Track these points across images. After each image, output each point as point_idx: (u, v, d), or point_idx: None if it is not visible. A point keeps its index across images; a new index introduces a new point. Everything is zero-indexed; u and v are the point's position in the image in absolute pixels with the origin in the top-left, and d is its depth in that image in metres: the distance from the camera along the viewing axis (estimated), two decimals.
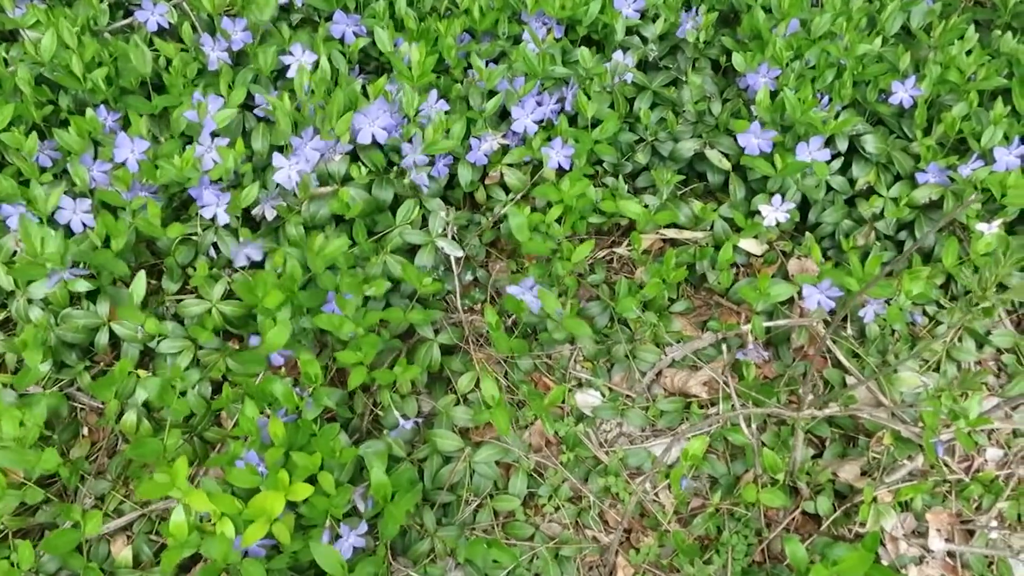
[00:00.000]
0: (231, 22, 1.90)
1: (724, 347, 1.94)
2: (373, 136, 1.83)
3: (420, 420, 1.81)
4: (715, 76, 2.17)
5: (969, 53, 2.02)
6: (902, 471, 1.73)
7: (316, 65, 1.89)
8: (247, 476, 1.44)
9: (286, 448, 1.49)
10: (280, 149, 1.83)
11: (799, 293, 1.87)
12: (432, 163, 1.89)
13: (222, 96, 1.78)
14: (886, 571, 1.40)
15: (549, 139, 1.95)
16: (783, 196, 1.97)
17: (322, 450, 1.49)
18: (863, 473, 1.79)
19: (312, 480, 1.48)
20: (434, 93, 1.90)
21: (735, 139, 2.01)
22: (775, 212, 1.94)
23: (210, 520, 1.43)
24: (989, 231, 1.87)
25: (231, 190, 1.75)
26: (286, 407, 1.57)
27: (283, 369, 1.72)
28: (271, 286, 1.55)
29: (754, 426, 1.82)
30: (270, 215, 1.83)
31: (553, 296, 1.76)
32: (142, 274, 1.65)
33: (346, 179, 1.87)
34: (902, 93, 2.00)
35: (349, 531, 1.51)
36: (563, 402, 1.89)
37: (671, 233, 2.08)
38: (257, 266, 1.83)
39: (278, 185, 1.82)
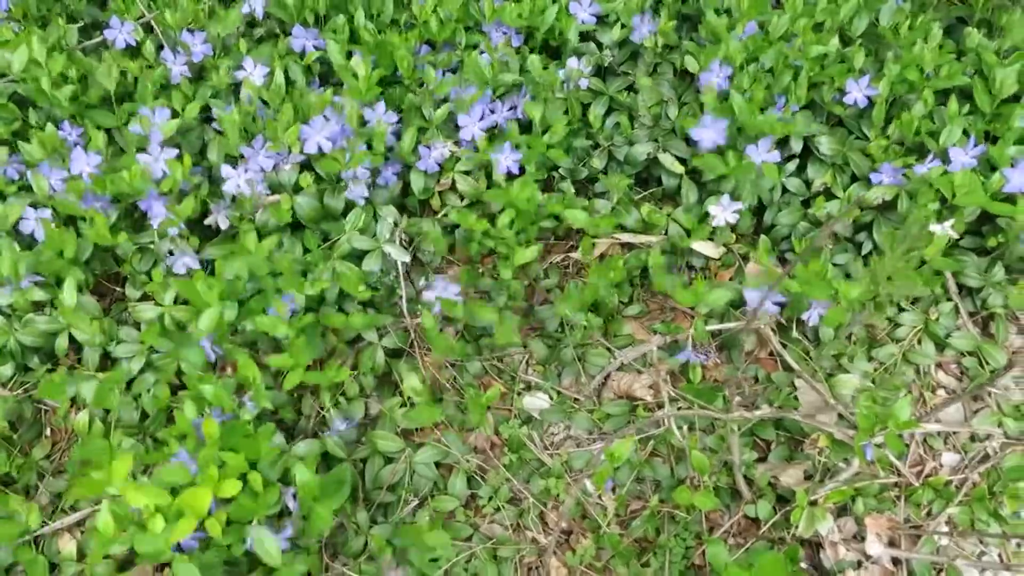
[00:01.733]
0: (191, 36, 1.98)
1: (663, 351, 1.94)
2: (319, 146, 1.88)
3: (364, 422, 1.85)
4: (674, 80, 2.17)
5: (942, 48, 1.99)
6: (844, 475, 1.71)
7: (271, 78, 1.95)
8: (177, 473, 1.49)
9: (218, 448, 1.53)
10: (233, 160, 1.89)
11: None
12: (377, 173, 1.94)
13: (168, 108, 1.86)
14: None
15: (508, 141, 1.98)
16: (734, 197, 1.96)
17: (249, 450, 1.54)
18: (807, 477, 1.77)
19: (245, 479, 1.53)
20: (381, 105, 1.94)
21: (687, 142, 2.02)
22: (724, 212, 1.94)
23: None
24: (941, 231, 1.84)
25: (183, 199, 1.82)
26: (222, 408, 1.62)
27: (229, 370, 1.78)
28: (211, 284, 1.60)
29: (698, 430, 1.82)
30: (223, 224, 1.90)
31: (487, 308, 1.78)
32: (72, 282, 1.71)
33: (297, 188, 1.92)
34: (856, 93, 1.98)
35: (272, 533, 1.55)
36: (511, 405, 1.92)
37: (626, 237, 2.08)
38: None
39: (234, 194, 1.88)
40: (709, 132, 1.91)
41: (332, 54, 1.99)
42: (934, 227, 1.84)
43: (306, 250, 1.94)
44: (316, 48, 2.09)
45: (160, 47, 2.06)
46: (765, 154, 1.90)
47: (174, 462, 1.54)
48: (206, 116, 2.03)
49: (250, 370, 1.63)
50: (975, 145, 1.87)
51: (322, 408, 1.85)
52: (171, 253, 1.86)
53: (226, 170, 1.83)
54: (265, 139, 1.86)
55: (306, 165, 1.97)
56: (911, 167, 1.90)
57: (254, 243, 1.85)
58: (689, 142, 2.01)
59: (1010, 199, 1.86)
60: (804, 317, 1.83)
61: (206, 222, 1.91)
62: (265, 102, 1.97)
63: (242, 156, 1.86)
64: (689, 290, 1.80)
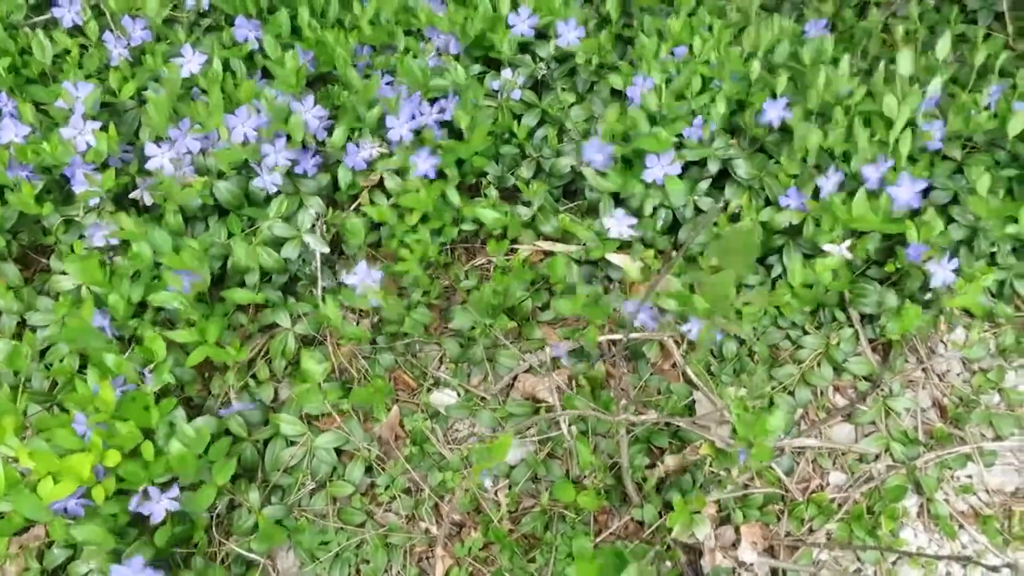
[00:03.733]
0: (131, 21, 2.03)
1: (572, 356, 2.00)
2: (245, 135, 1.93)
3: (273, 405, 1.89)
4: (608, 99, 2.24)
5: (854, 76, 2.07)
6: (730, 485, 1.76)
7: (208, 66, 2.01)
8: (67, 438, 1.52)
9: (111, 417, 1.57)
10: (161, 140, 1.94)
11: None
12: (295, 163, 1.99)
13: (93, 83, 1.90)
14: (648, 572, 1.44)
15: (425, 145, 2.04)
16: (638, 212, 2.03)
17: (143, 421, 1.57)
18: (699, 485, 1.83)
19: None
20: (310, 98, 2.00)
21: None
22: (619, 225, 2.00)
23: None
24: (838, 252, 1.91)
25: (108, 170, 1.87)
26: (124, 378, 1.65)
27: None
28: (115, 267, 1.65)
29: (592, 434, 1.87)
30: (148, 200, 1.94)
31: (395, 299, 1.84)
32: None
33: (221, 173, 1.97)
34: (772, 113, 2.05)
35: (160, 493, 1.58)
36: (419, 399, 1.96)
37: (546, 245, 2.14)
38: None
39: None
40: (598, 155, 1.98)
41: (267, 46, 2.04)
42: (829, 247, 1.91)
43: (231, 234, 1.98)
44: (259, 40, 2.15)
45: (106, 28, 2.11)
46: (668, 167, 1.97)
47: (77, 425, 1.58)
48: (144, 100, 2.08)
49: (155, 345, 1.67)
50: (886, 160, 1.94)
51: (231, 388, 1.89)
52: (95, 226, 1.90)
53: (150, 148, 1.88)
54: (193, 122, 1.91)
55: None
56: (817, 191, 1.98)
57: (175, 225, 1.90)
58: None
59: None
60: (684, 329, 1.89)
61: (131, 195, 1.95)
62: (203, 90, 2.03)
63: (169, 137, 1.90)
64: (568, 300, 1.86)
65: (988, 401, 1.99)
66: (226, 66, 2.09)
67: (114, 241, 1.87)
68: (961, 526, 1.85)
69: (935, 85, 1.99)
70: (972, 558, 1.61)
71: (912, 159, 1.98)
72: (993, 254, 2.03)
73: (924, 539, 1.84)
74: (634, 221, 1.99)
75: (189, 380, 1.84)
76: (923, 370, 2.07)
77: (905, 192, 1.87)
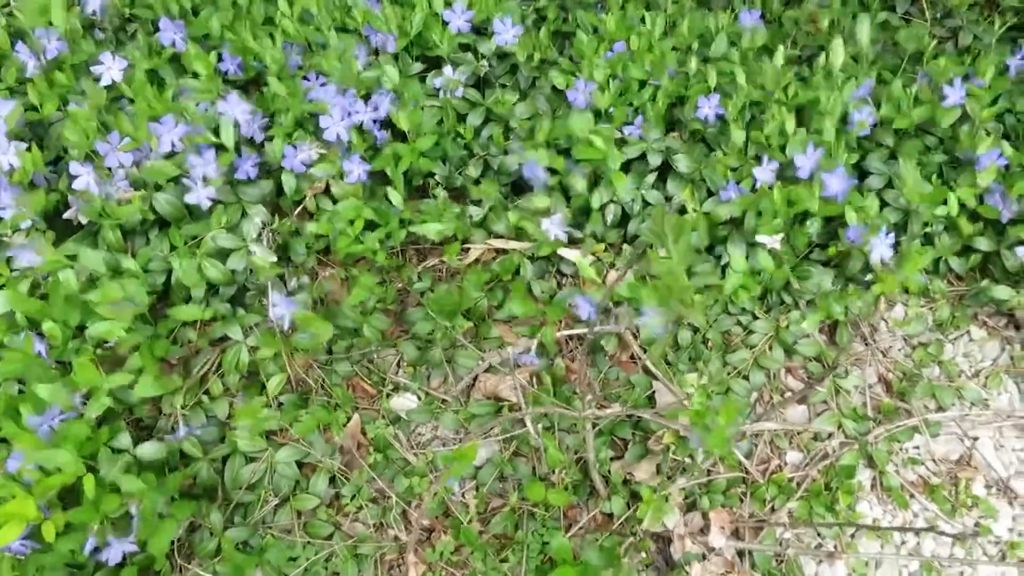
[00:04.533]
0: (44, 31, 1.92)
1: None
2: (173, 144, 1.86)
3: (228, 420, 1.83)
4: (550, 95, 2.25)
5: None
6: (694, 472, 1.79)
7: (131, 72, 1.93)
8: (4, 484, 1.44)
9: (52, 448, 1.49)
10: (87, 156, 1.85)
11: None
12: (233, 170, 1.92)
13: (12, 100, 1.80)
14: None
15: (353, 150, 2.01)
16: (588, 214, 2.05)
17: (86, 450, 1.50)
18: (660, 473, 1.85)
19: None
20: (233, 95, 1.93)
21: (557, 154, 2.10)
22: (554, 228, 2.01)
23: None
24: (771, 244, 1.96)
25: (36, 191, 1.77)
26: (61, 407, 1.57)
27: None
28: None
29: (557, 430, 1.87)
30: (83, 219, 1.85)
31: (322, 321, 1.79)
32: None
33: (159, 185, 1.89)
34: (707, 109, 2.09)
35: (115, 541, 1.51)
36: (379, 406, 1.93)
37: (498, 243, 2.13)
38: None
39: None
40: (539, 170, 2.00)
41: (188, 51, 1.97)
42: (763, 239, 1.96)
43: (174, 248, 1.91)
44: (184, 43, 2.07)
45: (19, 39, 2.00)
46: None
47: (10, 464, 1.49)
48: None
49: (88, 372, 1.58)
50: (816, 149, 2.00)
51: (182, 408, 1.82)
52: (21, 248, 1.80)
53: (74, 167, 1.79)
54: (122, 135, 1.82)
55: None
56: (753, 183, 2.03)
57: (114, 241, 1.82)
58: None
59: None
60: (638, 322, 1.91)
61: (65, 216, 1.86)
62: (131, 99, 1.94)
63: (96, 152, 1.82)
64: (520, 302, 1.86)
65: (929, 374, 2.08)
66: (154, 73, 2.01)
67: (25, 264, 1.77)
68: (912, 495, 1.92)
69: (866, 81, 2.06)
70: (933, 528, 1.67)
71: (849, 148, 2.05)
72: (927, 235, 2.11)
73: (879, 511, 1.91)
74: (560, 218, 2.00)
75: (138, 401, 1.76)
76: (867, 346, 2.15)
77: (836, 183, 1.93)
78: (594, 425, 1.88)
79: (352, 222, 1.94)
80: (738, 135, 2.04)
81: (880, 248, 1.93)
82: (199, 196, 1.88)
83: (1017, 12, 2.47)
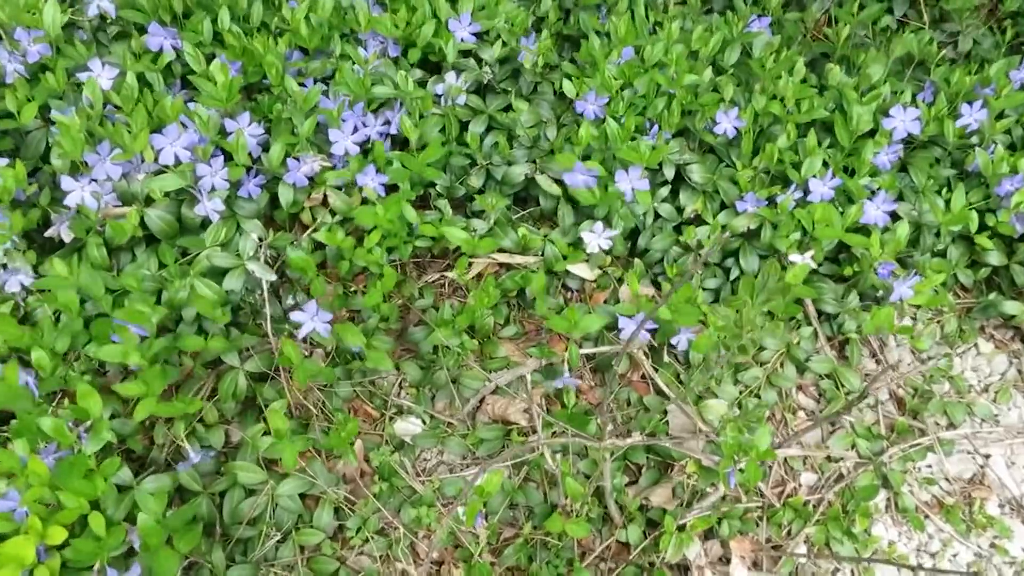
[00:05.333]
0: (26, 33, 1.79)
1: (537, 374, 1.93)
2: (176, 156, 1.75)
3: (226, 449, 1.73)
4: (554, 101, 2.17)
5: (804, 83, 2.07)
6: (710, 498, 1.74)
7: (121, 80, 1.81)
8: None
9: (49, 486, 1.39)
10: (77, 168, 1.73)
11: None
12: (238, 186, 1.83)
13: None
14: None
15: (373, 163, 1.91)
16: (609, 223, 1.98)
17: (87, 489, 1.40)
18: (676, 498, 1.80)
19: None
20: (245, 116, 1.83)
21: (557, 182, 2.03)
22: (598, 239, 1.95)
23: None
24: (802, 261, 1.91)
25: (18, 210, 1.65)
26: (58, 443, 1.47)
27: (67, 400, 1.62)
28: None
29: (571, 454, 1.81)
30: (67, 236, 1.73)
31: (356, 331, 1.71)
32: None
33: (150, 200, 1.78)
34: (726, 123, 2.03)
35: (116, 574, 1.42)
36: (383, 430, 1.85)
37: (502, 258, 2.06)
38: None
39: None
40: (583, 177, 1.92)
41: (190, 57, 1.86)
42: (794, 257, 1.91)
43: (163, 265, 1.80)
44: (175, 49, 1.95)
45: None
46: (636, 181, 1.92)
47: (3, 506, 1.39)
48: (50, 118, 1.86)
49: (91, 401, 1.49)
50: (832, 177, 1.97)
51: (179, 436, 1.72)
52: (4, 268, 1.68)
53: (67, 182, 1.67)
54: (112, 146, 1.71)
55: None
56: (774, 197, 1.98)
57: (99, 259, 1.71)
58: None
59: (864, 230, 1.97)
60: (674, 342, 1.86)
61: (47, 234, 1.74)
62: (117, 106, 1.82)
63: (85, 164, 1.70)
64: (563, 316, 1.79)
65: (940, 390, 2.05)
66: (140, 79, 1.89)
67: (28, 283, 1.66)
68: (927, 516, 1.90)
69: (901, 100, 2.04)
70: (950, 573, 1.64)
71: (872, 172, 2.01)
72: (935, 250, 2.08)
73: (894, 532, 1.88)
74: (614, 233, 1.94)
75: (130, 432, 1.66)
76: (877, 362, 2.11)
77: (874, 209, 1.89)
78: (611, 452, 1.82)
79: (367, 232, 1.85)
80: (753, 149, 1.99)
81: (902, 290, 1.90)
82: (207, 208, 1.78)
83: (1014, 17, 2.45)
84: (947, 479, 1.95)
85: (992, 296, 2.10)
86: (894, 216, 2.06)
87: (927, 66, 2.21)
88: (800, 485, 1.91)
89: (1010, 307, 2.07)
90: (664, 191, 2.05)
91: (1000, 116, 2.11)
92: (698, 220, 2.06)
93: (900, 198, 2.10)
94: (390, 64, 2.07)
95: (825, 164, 2.02)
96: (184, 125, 1.81)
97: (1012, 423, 2.03)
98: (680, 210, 2.07)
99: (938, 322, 2.16)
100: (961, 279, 2.11)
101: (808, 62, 2.35)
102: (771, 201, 1.99)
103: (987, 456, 1.99)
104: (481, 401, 1.93)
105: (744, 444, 1.53)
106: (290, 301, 1.94)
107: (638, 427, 1.87)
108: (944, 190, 2.08)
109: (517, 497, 1.79)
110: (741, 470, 1.58)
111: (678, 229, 2.08)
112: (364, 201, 1.95)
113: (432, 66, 2.16)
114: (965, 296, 2.20)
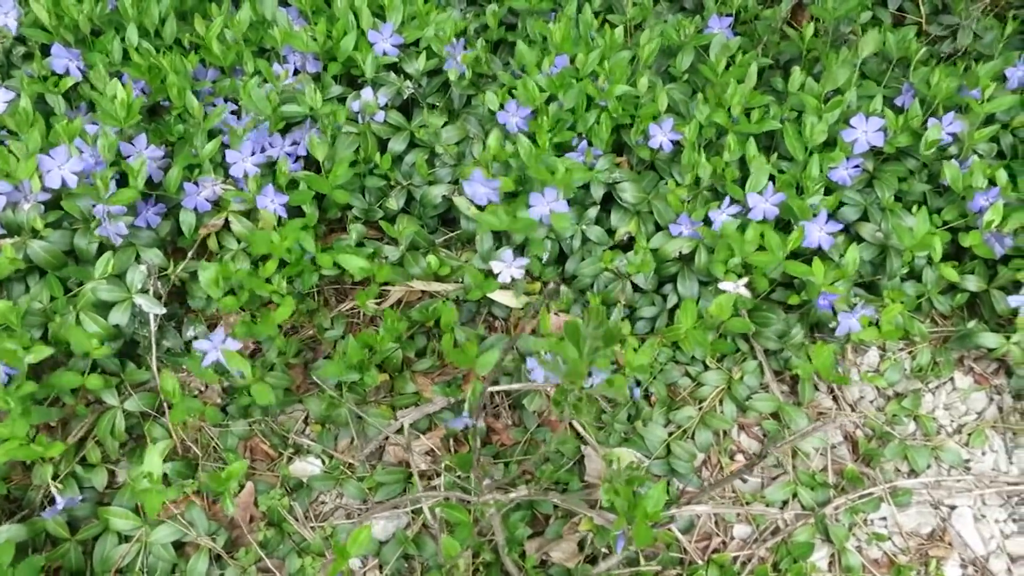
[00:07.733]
0: None
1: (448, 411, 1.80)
2: (63, 180, 1.68)
3: (109, 491, 1.66)
4: (486, 116, 2.02)
5: (755, 90, 1.89)
6: (612, 559, 1.58)
7: (16, 103, 1.75)
8: None
9: None
10: None
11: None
12: (134, 212, 1.75)
13: None
14: None
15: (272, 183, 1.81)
16: (521, 250, 1.83)
17: None
18: (586, 555, 1.65)
19: None
20: (142, 138, 1.75)
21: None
22: (509, 269, 1.80)
23: None
24: (733, 290, 1.73)
25: None
26: None
27: None
28: None
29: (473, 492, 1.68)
30: None
31: (239, 357, 1.61)
32: None
33: (36, 231, 1.72)
34: (660, 136, 1.86)
35: None
36: (278, 471, 1.75)
37: (420, 285, 1.93)
38: None
39: None
40: (484, 189, 1.77)
41: (94, 77, 1.78)
42: (725, 285, 1.74)
43: (53, 298, 1.74)
44: (81, 71, 1.89)
45: None
46: (553, 203, 1.77)
47: None
48: None
49: None
50: (774, 192, 1.77)
51: (55, 478, 1.66)
52: None
53: None
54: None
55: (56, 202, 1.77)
56: (708, 218, 1.80)
57: None
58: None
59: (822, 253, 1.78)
60: (586, 384, 1.70)
61: None
62: (12, 132, 1.77)
63: None
64: (461, 350, 1.66)
65: (903, 431, 1.84)
66: (40, 102, 1.84)
67: None
68: None
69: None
70: None
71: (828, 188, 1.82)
72: (909, 272, 1.87)
73: None
74: (525, 262, 1.80)
75: (3, 474, 1.60)
76: (834, 399, 1.91)
77: (817, 231, 1.70)
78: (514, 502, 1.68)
79: (261, 261, 1.76)
80: (693, 163, 1.81)
81: (849, 322, 1.70)
82: (109, 231, 1.71)
83: (1021, 8, 2.19)
84: (901, 534, 1.74)
85: (972, 324, 1.87)
86: (859, 239, 1.86)
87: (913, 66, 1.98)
88: (731, 538, 1.74)
89: (988, 339, 1.84)
90: (593, 212, 1.89)
91: (990, 121, 1.88)
92: (632, 243, 1.90)
93: (865, 217, 1.90)
94: (309, 80, 1.96)
95: (773, 179, 1.82)
96: (80, 150, 1.74)
97: (984, 470, 1.81)
98: (612, 232, 1.91)
99: (910, 353, 1.94)
100: (937, 306, 1.89)
101: (782, 65, 2.16)
102: (707, 221, 1.81)
103: (951, 508, 1.77)
104: (385, 440, 1.81)
105: (634, 502, 1.38)
106: (190, 333, 1.85)
107: (550, 473, 1.73)
108: (916, 207, 1.85)
109: (410, 548, 1.67)
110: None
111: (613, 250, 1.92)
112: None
113: (355, 81, 2.05)
114: (944, 323, 1.98)
